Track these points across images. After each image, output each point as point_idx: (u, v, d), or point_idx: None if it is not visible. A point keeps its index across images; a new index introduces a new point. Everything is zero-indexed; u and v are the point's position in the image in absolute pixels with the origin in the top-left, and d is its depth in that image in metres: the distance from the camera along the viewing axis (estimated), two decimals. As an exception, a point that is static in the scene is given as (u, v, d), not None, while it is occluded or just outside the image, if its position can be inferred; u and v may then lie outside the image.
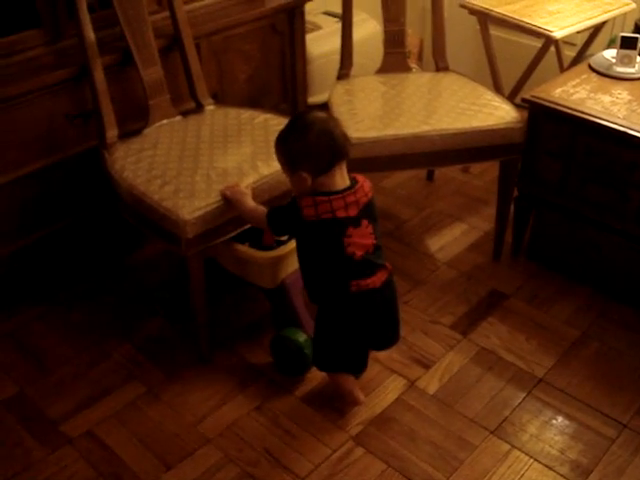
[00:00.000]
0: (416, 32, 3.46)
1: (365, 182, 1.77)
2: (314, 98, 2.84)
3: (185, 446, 1.89)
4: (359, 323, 1.82)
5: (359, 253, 1.74)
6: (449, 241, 2.61)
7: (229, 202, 1.90)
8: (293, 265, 2.06)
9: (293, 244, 2.00)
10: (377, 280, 1.77)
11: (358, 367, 1.96)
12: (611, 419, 1.95)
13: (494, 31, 2.86)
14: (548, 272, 2.44)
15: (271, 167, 2.01)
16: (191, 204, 1.88)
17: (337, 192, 1.71)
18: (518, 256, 2.51)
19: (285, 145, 1.74)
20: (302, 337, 2.03)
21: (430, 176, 2.91)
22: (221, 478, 1.81)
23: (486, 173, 2.98)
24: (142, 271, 2.49)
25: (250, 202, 1.88)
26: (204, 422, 1.95)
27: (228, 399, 2.02)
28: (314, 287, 1.85)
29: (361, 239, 1.74)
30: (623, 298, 2.30)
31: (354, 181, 1.75)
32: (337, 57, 2.61)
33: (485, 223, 2.68)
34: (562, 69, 2.80)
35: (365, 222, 1.74)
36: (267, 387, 2.05)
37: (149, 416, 1.97)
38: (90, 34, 2.04)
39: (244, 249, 2.04)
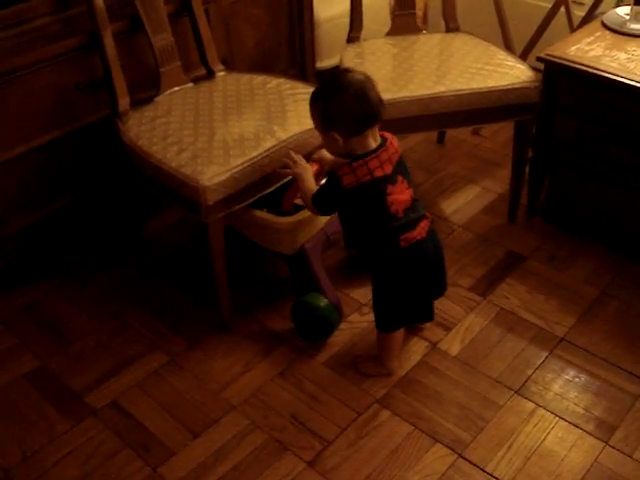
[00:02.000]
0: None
1: (393, 139, 1.76)
2: (322, 63, 2.80)
3: (210, 414, 1.89)
4: (416, 275, 1.82)
5: (401, 209, 1.74)
6: (463, 204, 2.59)
7: (293, 176, 1.89)
8: (312, 230, 2.06)
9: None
10: (422, 231, 1.78)
11: (427, 315, 1.94)
12: (634, 376, 1.95)
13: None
14: (564, 233, 2.43)
15: (288, 131, 1.99)
16: (210, 170, 1.86)
17: (371, 152, 1.70)
18: (533, 217, 2.50)
19: (320, 104, 1.72)
20: (323, 302, 2.02)
21: (441, 139, 2.89)
22: (249, 444, 1.81)
23: (497, 135, 2.96)
24: (158, 240, 2.47)
25: (309, 182, 1.85)
26: (228, 389, 1.95)
27: (251, 366, 2.02)
28: (365, 253, 1.85)
29: (400, 195, 1.74)
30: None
31: (383, 139, 1.74)
32: (344, 21, 2.57)
33: (498, 185, 2.67)
34: (572, 29, 2.76)
35: (400, 178, 1.74)
36: (289, 353, 2.05)
37: (173, 385, 1.97)
38: (99, 1, 2.01)
39: (263, 215, 2.02)
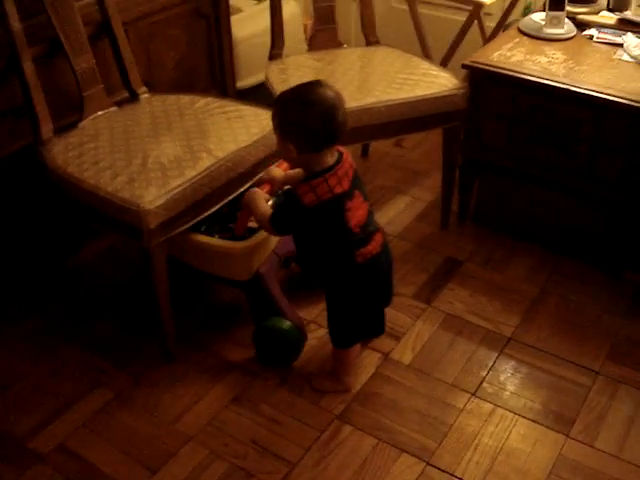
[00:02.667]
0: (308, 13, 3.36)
1: (346, 152, 1.74)
2: (242, 82, 2.76)
3: (166, 447, 1.80)
4: (370, 289, 1.80)
5: (358, 224, 1.72)
6: (395, 214, 2.60)
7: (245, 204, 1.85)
8: (265, 253, 2.00)
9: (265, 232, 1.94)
10: (376, 245, 1.76)
11: (379, 328, 1.92)
12: (584, 368, 2.00)
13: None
14: (496, 235, 2.48)
15: (225, 149, 1.94)
16: (149, 193, 1.78)
17: (328, 169, 1.67)
18: (464, 222, 2.54)
19: (283, 111, 1.67)
20: (286, 324, 1.97)
21: (365, 152, 2.90)
22: (211, 476, 1.73)
23: (419, 145, 3.00)
24: (87, 273, 2.36)
25: (262, 206, 1.80)
26: (182, 420, 1.87)
27: (203, 394, 1.94)
28: (319, 270, 1.82)
29: (357, 210, 1.71)
30: (573, 253, 2.36)
31: (339, 153, 1.71)
32: (261, 40, 2.56)
33: (427, 193, 2.70)
34: (485, 39, 2.84)
35: (357, 192, 1.72)
36: (241, 377, 1.98)
37: (122, 421, 1.87)
38: (17, 24, 1.90)
39: (218, 242, 1.96)
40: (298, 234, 1.80)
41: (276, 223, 1.76)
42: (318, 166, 1.67)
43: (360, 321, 1.86)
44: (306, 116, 1.63)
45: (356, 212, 1.71)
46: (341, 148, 1.73)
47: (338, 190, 1.67)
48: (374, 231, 1.78)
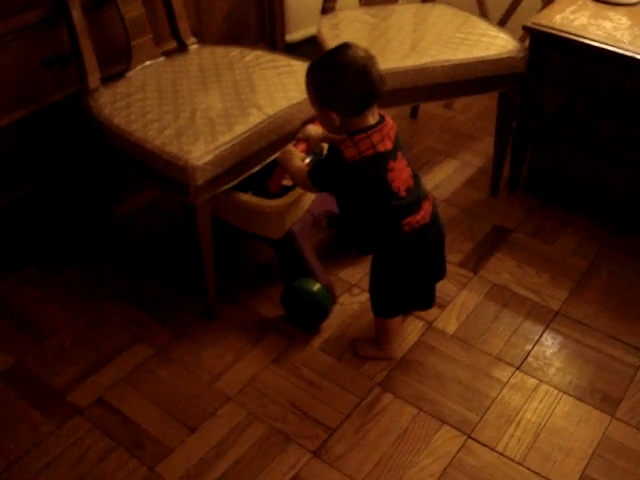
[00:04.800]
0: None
1: (387, 115, 1.68)
2: (291, 36, 2.69)
3: (205, 406, 1.79)
4: (418, 261, 1.75)
5: (403, 187, 1.66)
6: (443, 178, 2.54)
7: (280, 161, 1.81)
8: (299, 212, 1.97)
9: (299, 190, 1.91)
10: (425, 214, 1.70)
11: (427, 302, 1.89)
12: (632, 347, 1.94)
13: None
14: (547, 205, 2.41)
15: (275, 106, 1.89)
16: (197, 148, 1.74)
17: (372, 127, 1.62)
18: (515, 190, 2.47)
19: (318, 81, 1.62)
20: (316, 286, 1.93)
21: (414, 113, 2.83)
22: (249, 437, 1.72)
23: (469, 108, 2.91)
24: (128, 225, 2.34)
25: (296, 162, 1.76)
26: (221, 380, 1.85)
27: (243, 354, 1.92)
28: (363, 237, 1.77)
29: (401, 172, 1.66)
30: (626, 228, 2.29)
31: (381, 116, 1.66)
32: (312, -8, 2.48)
33: (476, 158, 2.62)
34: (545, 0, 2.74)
35: (400, 154, 1.66)
36: (282, 339, 1.96)
37: (162, 378, 1.86)
38: (66, -32, 1.86)
39: (251, 199, 1.92)
40: (340, 195, 1.74)
41: (316, 177, 1.71)
42: (360, 126, 1.62)
43: (404, 294, 1.82)
44: (342, 81, 1.58)
45: (400, 174, 1.65)
46: (382, 112, 1.68)
47: (381, 148, 1.62)
48: (423, 198, 1.72)
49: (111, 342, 1.95)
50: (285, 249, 2.00)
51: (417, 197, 1.70)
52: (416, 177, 1.73)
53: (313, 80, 1.64)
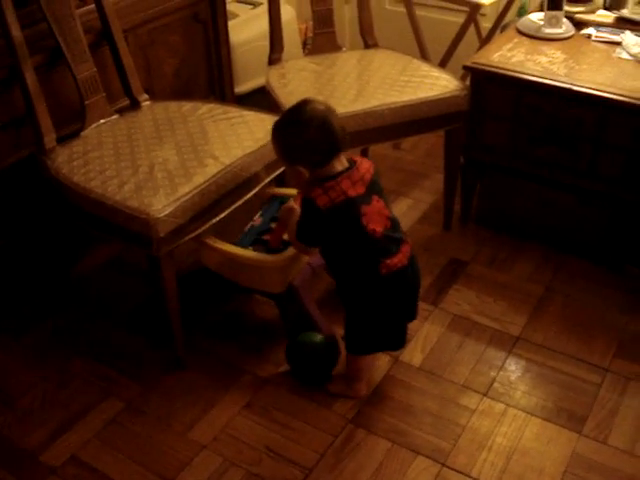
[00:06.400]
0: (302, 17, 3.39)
1: (363, 160, 1.74)
2: (239, 88, 2.76)
3: (180, 456, 1.79)
4: (394, 302, 1.78)
5: (379, 229, 1.69)
6: (398, 216, 2.49)
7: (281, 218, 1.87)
8: (299, 265, 2.00)
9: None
10: (403, 257, 1.74)
11: (399, 342, 1.90)
12: (593, 365, 2.01)
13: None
14: (499, 235, 2.48)
15: (231, 155, 1.94)
16: (158, 201, 1.77)
17: (340, 173, 1.67)
18: (467, 223, 2.54)
19: (283, 139, 1.69)
20: (319, 339, 1.95)
21: (364, 155, 2.89)
22: (227, 483, 1.74)
23: (417, 147, 3.00)
24: (90, 282, 2.34)
25: (294, 223, 1.78)
26: (195, 429, 1.86)
27: (214, 401, 1.93)
28: (343, 279, 1.80)
29: (376, 216, 1.70)
30: (576, 251, 2.37)
31: (352, 162, 1.71)
32: (257, 45, 2.55)
33: (428, 195, 2.70)
34: (481, 40, 2.86)
35: (375, 197, 1.70)
36: (252, 383, 1.98)
37: (134, 431, 1.85)
38: (18, 32, 1.88)
39: (255, 255, 1.95)
40: (322, 244, 1.78)
41: (301, 234, 1.75)
42: (329, 174, 1.67)
43: (378, 334, 1.84)
44: (305, 136, 1.65)
45: (375, 217, 1.69)
46: (357, 157, 1.74)
47: (352, 193, 1.66)
48: (400, 241, 1.76)
49: (80, 399, 1.94)
50: (287, 303, 2.02)
51: (395, 239, 1.74)
52: (394, 220, 1.76)
53: (278, 139, 1.71)
